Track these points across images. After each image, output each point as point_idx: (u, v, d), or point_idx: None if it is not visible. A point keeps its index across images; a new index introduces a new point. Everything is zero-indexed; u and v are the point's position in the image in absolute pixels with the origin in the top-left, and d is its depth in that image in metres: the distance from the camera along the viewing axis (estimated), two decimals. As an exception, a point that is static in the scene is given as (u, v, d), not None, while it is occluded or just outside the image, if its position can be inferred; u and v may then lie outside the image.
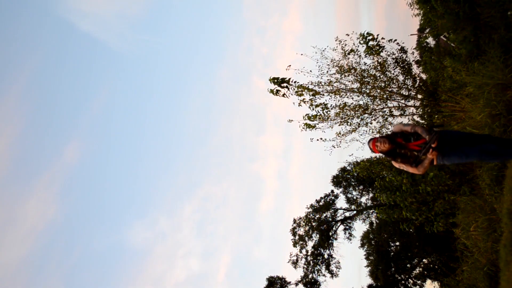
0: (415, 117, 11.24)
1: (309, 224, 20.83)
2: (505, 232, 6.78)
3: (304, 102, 9.70)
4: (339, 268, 21.01)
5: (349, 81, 9.97)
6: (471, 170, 9.75)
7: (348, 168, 21.12)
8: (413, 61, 10.97)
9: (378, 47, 9.56)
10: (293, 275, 42.82)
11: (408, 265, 21.12)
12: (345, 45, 9.94)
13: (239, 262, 59.12)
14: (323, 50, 9.92)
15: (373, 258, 20.97)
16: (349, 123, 10.14)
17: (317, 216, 21.00)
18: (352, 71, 9.86)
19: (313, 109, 9.76)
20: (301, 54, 9.84)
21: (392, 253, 20.88)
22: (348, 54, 9.91)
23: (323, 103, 9.82)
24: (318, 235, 20.83)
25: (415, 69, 10.92)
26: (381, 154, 4.76)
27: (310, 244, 20.90)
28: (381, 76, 10.02)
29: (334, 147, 10.58)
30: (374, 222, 21.60)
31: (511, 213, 6.55)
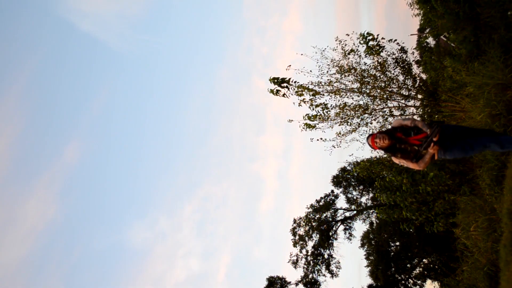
0: (415, 117, 11.25)
1: (309, 224, 20.82)
2: (505, 232, 6.77)
3: (304, 102, 9.70)
4: (339, 268, 21.03)
5: (349, 81, 9.99)
6: (471, 170, 9.74)
7: (348, 168, 21.12)
8: (413, 61, 11.00)
9: (378, 47, 9.56)
10: (293, 275, 42.94)
11: (408, 265, 21.10)
12: (345, 45, 9.97)
13: (239, 262, 59.15)
14: (323, 50, 9.95)
15: (373, 258, 20.96)
16: (349, 123, 10.15)
17: (317, 216, 20.99)
18: (352, 71, 9.87)
19: (313, 109, 9.77)
20: (301, 54, 9.87)
21: (392, 253, 20.87)
22: (348, 54, 9.93)
23: (323, 103, 9.83)
24: (318, 235, 20.83)
25: (415, 69, 10.95)
26: (380, 153, 4.73)
27: (310, 244, 20.93)
28: (381, 76, 10.03)
29: (334, 147, 10.60)
30: (374, 222, 21.60)
31: (511, 213, 6.54)
